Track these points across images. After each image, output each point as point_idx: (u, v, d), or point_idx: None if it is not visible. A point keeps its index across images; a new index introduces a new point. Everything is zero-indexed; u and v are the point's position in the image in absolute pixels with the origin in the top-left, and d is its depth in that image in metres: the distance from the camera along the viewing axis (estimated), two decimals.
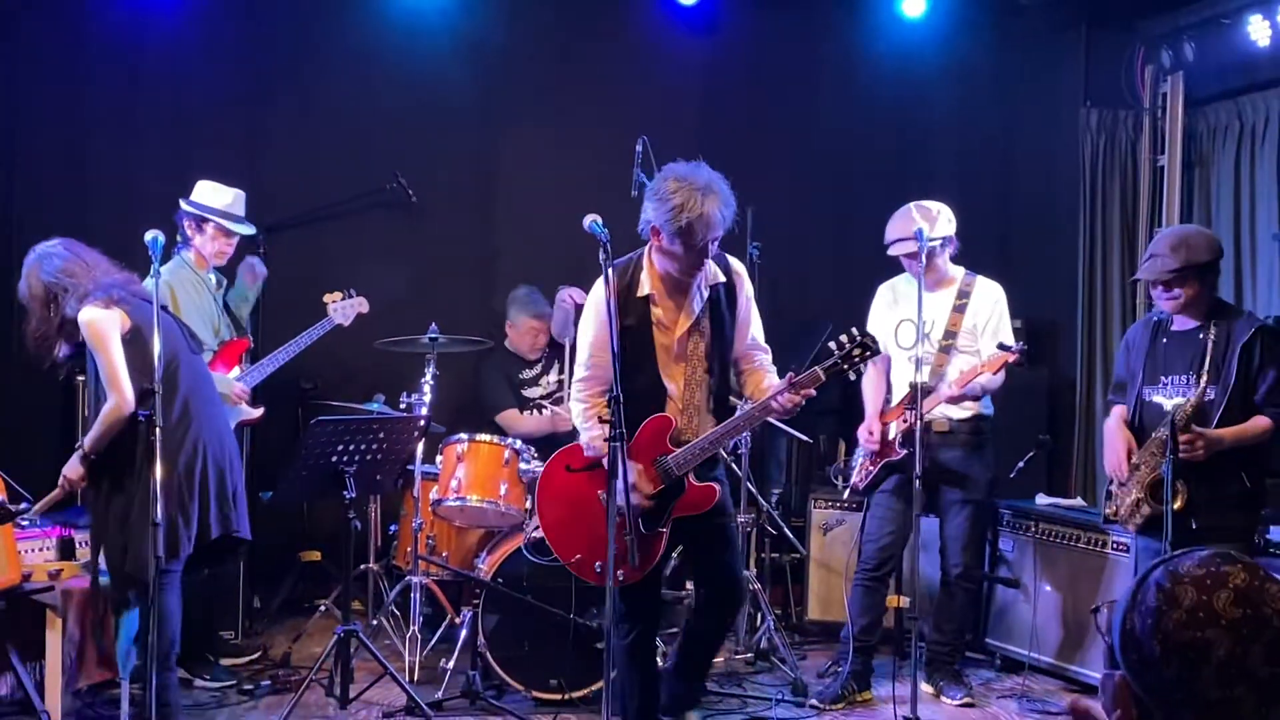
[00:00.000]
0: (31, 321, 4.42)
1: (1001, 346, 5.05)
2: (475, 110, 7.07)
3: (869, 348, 4.08)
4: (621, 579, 4.23)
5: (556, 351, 6.53)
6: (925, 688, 5.41)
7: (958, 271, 5.39)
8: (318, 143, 6.84)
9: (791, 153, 7.25)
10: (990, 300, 5.34)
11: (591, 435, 4.27)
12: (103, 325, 4.29)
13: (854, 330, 4.12)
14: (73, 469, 4.46)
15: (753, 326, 4.46)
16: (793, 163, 7.26)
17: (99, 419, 4.34)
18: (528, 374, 6.49)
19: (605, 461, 4.06)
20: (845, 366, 4.10)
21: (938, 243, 5.16)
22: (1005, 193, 7.51)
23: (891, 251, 5.26)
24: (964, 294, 5.32)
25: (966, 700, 5.37)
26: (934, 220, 5.17)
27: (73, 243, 4.51)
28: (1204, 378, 4.32)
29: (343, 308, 5.92)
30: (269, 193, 6.60)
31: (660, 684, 4.55)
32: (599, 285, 4.24)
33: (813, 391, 4.11)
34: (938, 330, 5.26)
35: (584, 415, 4.32)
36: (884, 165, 7.31)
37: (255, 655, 5.73)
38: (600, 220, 4.28)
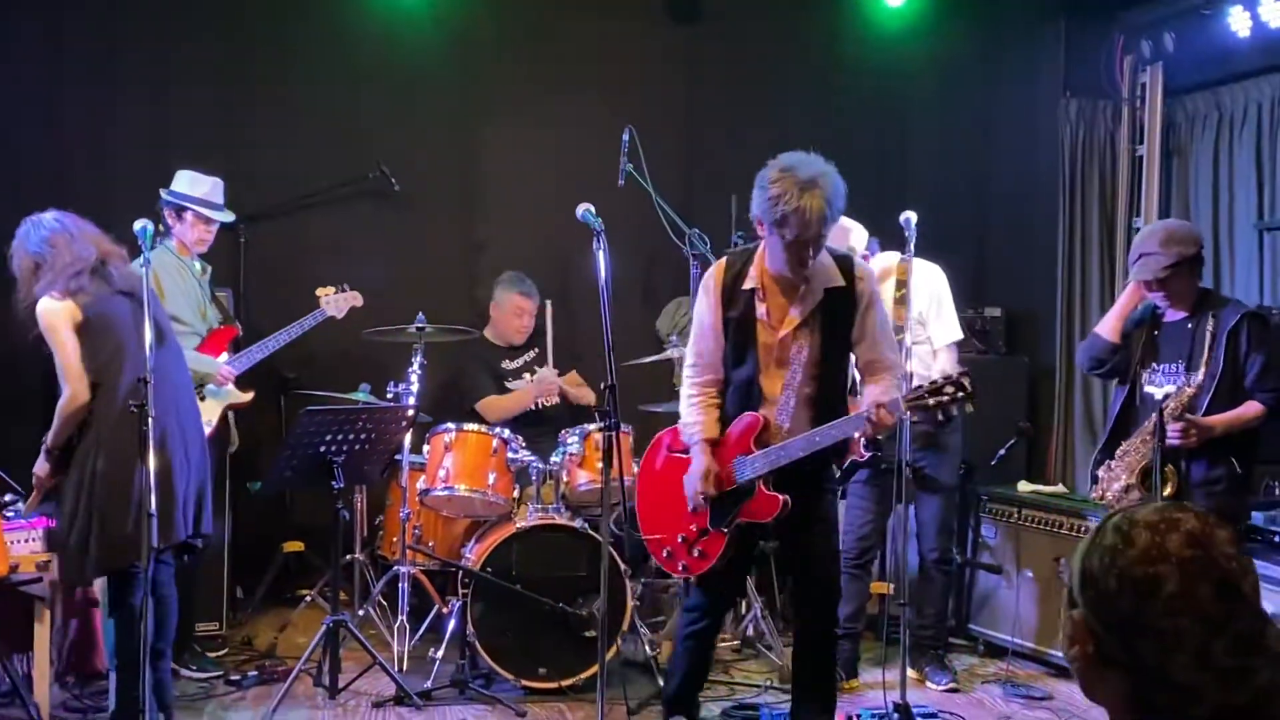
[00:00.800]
0: (21, 290, 4.39)
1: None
2: (459, 98, 7.03)
3: (963, 388, 3.79)
4: (684, 570, 4.26)
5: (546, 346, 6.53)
6: (910, 673, 5.45)
7: (890, 260, 5.26)
8: (300, 131, 6.78)
9: (773, 141, 7.18)
10: (927, 285, 5.30)
11: (686, 423, 4.21)
12: (53, 317, 4.27)
13: (955, 373, 3.90)
14: (39, 466, 4.48)
15: (872, 338, 4.12)
16: (775, 151, 7.23)
17: (56, 412, 4.32)
18: (509, 364, 6.46)
19: (691, 450, 4.13)
20: (930, 402, 3.85)
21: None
22: (985, 181, 7.55)
23: None
24: (901, 284, 5.24)
25: (952, 685, 5.43)
26: (841, 247, 5.07)
27: (64, 214, 4.48)
28: (1202, 367, 4.37)
29: (335, 300, 5.92)
30: (251, 181, 6.54)
31: (706, 671, 4.47)
32: (711, 270, 4.18)
33: (890, 419, 3.92)
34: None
35: (687, 401, 4.22)
36: (865, 154, 7.31)
37: (224, 652, 5.70)
38: (593, 209, 4.29)
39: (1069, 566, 1.71)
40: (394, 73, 6.88)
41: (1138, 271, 4.50)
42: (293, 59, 6.80)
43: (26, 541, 4.84)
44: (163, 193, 5.55)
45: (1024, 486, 6.10)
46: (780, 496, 4.08)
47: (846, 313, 4.06)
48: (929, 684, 5.46)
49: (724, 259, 4.25)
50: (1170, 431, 4.29)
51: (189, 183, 5.59)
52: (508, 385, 6.40)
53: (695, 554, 4.22)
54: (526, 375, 6.43)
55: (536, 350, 6.50)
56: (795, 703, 4.37)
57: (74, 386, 4.27)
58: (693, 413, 4.20)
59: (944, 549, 5.51)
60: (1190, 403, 4.36)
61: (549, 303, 6.38)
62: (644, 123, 5.82)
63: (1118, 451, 4.60)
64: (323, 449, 4.95)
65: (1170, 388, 4.45)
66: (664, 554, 4.33)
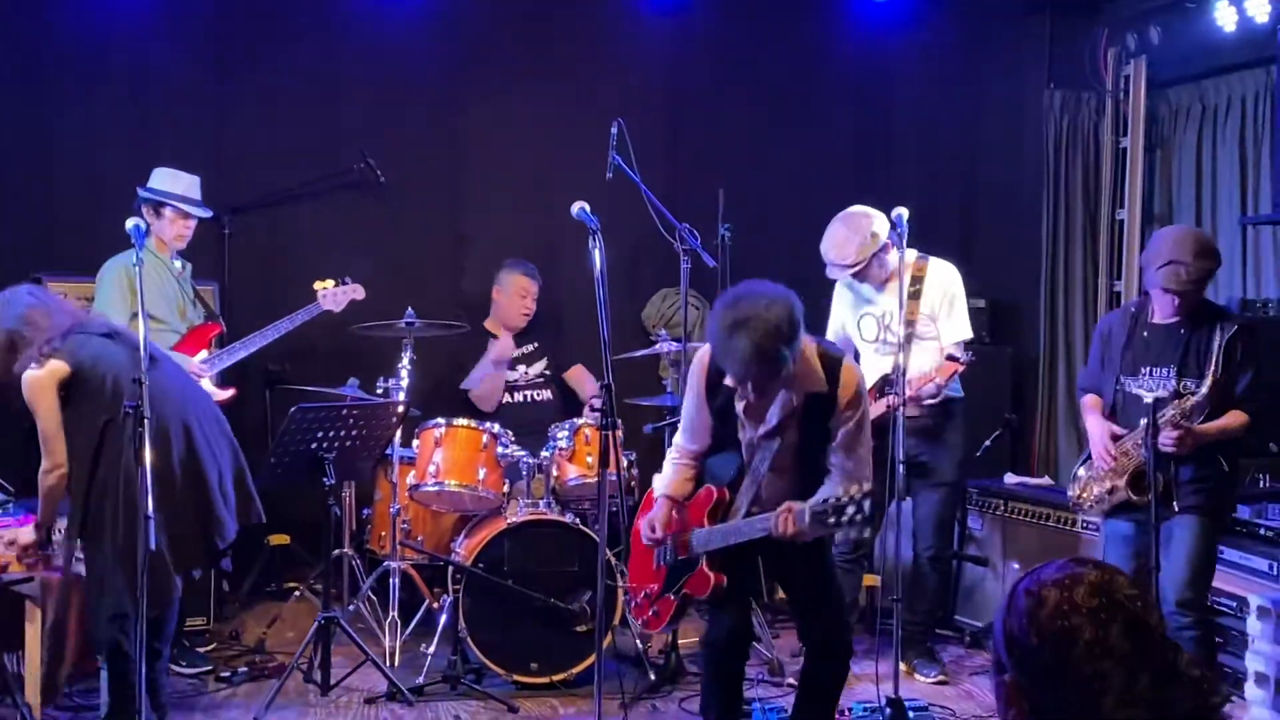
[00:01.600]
0: None
1: (950, 357, 5.11)
2: (444, 89, 7.00)
3: (862, 512, 3.60)
4: (644, 625, 4.28)
5: (548, 343, 6.54)
6: (900, 666, 5.52)
7: (909, 256, 5.27)
8: (284, 123, 6.73)
9: (759, 134, 7.26)
10: (941, 284, 5.33)
11: (659, 476, 4.24)
12: (36, 386, 4.23)
13: (856, 491, 3.65)
14: (26, 535, 4.48)
15: (840, 443, 3.93)
16: (760, 144, 7.27)
17: (39, 485, 4.29)
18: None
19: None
20: (830, 520, 3.65)
21: (868, 257, 5.17)
22: (969, 173, 7.58)
23: (829, 275, 5.26)
24: (916, 280, 5.27)
25: (940, 678, 5.46)
26: (864, 233, 5.14)
27: (36, 289, 4.44)
28: (1208, 378, 4.35)
29: (334, 295, 5.89)
30: (234, 174, 6.52)
31: (740, 704, 4.34)
32: (698, 357, 4.08)
33: (792, 529, 3.73)
34: (895, 322, 5.24)
35: (668, 456, 4.25)
36: (849, 146, 7.35)
37: (211, 647, 5.67)
38: (588, 207, 4.26)
39: (993, 635, 1.84)
40: (378, 62, 6.84)
41: (1166, 279, 4.39)
42: (276, 50, 6.75)
43: (15, 542, 4.81)
44: (140, 190, 5.52)
45: (1010, 479, 6.14)
46: (714, 578, 3.99)
47: (823, 417, 3.92)
48: (917, 676, 5.48)
49: (708, 350, 4.07)
50: (1165, 440, 4.31)
51: (168, 179, 5.57)
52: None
53: (652, 613, 4.23)
54: (521, 368, 6.44)
55: (536, 344, 6.51)
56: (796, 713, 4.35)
57: (53, 457, 4.24)
58: (665, 468, 4.25)
59: (940, 547, 5.52)
60: (1189, 411, 4.38)
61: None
62: (630, 114, 5.79)
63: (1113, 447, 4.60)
64: (314, 446, 4.95)
65: (1162, 393, 4.43)
66: (633, 603, 4.37)
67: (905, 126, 7.51)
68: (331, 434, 4.97)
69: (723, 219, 6.19)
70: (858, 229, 5.16)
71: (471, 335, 6.37)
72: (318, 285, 5.89)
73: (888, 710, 4.67)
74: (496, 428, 5.62)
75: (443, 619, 5.35)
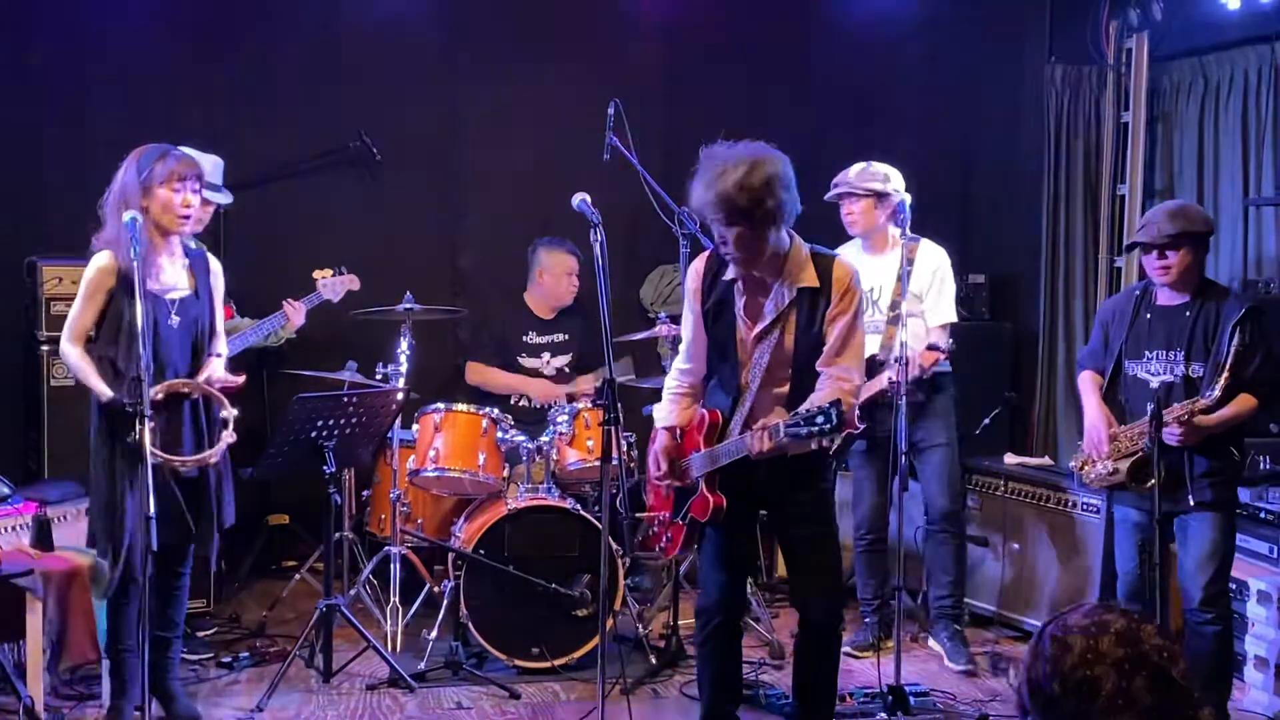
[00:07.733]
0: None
1: (931, 347, 5.11)
2: (441, 66, 6.94)
3: (830, 419, 3.58)
4: (661, 552, 4.33)
5: (577, 337, 6.39)
6: (932, 645, 5.56)
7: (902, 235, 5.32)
8: (278, 101, 6.67)
9: (756, 112, 7.15)
10: (930, 265, 5.34)
11: (657, 408, 4.26)
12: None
13: (825, 400, 3.69)
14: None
15: (830, 344, 3.91)
16: (757, 121, 7.08)
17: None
18: (534, 338, 6.35)
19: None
20: (804, 432, 3.63)
21: (866, 195, 5.28)
22: (969, 147, 7.53)
23: (828, 195, 5.33)
24: (908, 260, 5.25)
25: (967, 668, 5.35)
26: (881, 175, 5.26)
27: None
28: (1225, 373, 4.27)
29: (333, 284, 5.83)
30: (228, 153, 6.42)
31: (737, 680, 4.34)
32: (695, 263, 4.13)
33: (768, 444, 3.76)
34: (885, 299, 5.27)
35: (665, 387, 4.27)
36: (848, 121, 7.27)
37: (212, 631, 5.66)
38: (589, 199, 4.22)
39: (1015, 676, 1.89)
40: (373, 39, 6.75)
41: (1139, 234, 4.48)
42: (270, 26, 6.67)
43: (13, 530, 4.81)
44: None
45: (1010, 459, 6.12)
46: (713, 499, 3.99)
47: (812, 314, 3.92)
48: (948, 662, 5.41)
49: (707, 252, 4.18)
50: (1169, 435, 4.29)
51: (205, 162, 5.45)
52: (520, 360, 6.33)
53: (666, 539, 4.25)
54: (545, 355, 6.34)
55: (568, 335, 6.38)
56: (795, 700, 4.34)
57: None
58: (663, 399, 4.26)
59: (950, 510, 5.46)
60: (1189, 391, 4.35)
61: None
62: (627, 92, 5.73)
63: (1108, 433, 4.59)
64: (314, 435, 4.92)
65: (1168, 377, 4.42)
66: (653, 530, 4.39)
67: (905, 100, 7.44)
68: (331, 422, 4.95)
69: None
70: (878, 169, 5.32)
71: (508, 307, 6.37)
72: (317, 274, 5.83)
73: (889, 698, 4.68)
74: (496, 412, 5.60)
75: (444, 604, 5.35)
